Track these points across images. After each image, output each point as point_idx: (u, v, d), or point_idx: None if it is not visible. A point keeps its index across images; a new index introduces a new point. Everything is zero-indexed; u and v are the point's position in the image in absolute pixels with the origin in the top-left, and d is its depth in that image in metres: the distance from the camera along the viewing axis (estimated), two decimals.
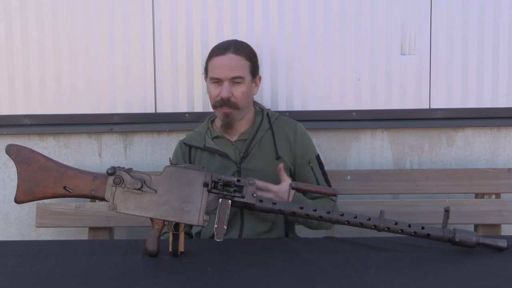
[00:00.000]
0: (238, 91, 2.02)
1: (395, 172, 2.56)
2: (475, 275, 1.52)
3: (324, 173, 2.15)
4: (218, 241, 1.66)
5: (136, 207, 1.67)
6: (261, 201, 1.72)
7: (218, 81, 2.02)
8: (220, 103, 2.02)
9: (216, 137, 2.13)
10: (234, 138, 2.12)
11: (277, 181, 2.04)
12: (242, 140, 2.11)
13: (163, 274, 1.52)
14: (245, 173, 2.05)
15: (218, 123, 2.15)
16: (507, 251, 1.71)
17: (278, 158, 2.09)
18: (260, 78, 2.15)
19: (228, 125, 2.07)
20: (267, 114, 2.16)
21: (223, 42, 2.11)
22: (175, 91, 2.60)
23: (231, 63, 2.01)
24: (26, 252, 1.73)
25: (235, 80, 2.01)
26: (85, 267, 1.60)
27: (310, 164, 2.12)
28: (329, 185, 2.14)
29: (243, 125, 2.11)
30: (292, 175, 2.12)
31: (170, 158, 1.88)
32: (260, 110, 2.17)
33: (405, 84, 2.61)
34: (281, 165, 1.94)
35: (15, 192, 1.68)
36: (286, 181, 1.91)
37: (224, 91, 2.00)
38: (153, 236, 1.68)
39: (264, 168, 2.06)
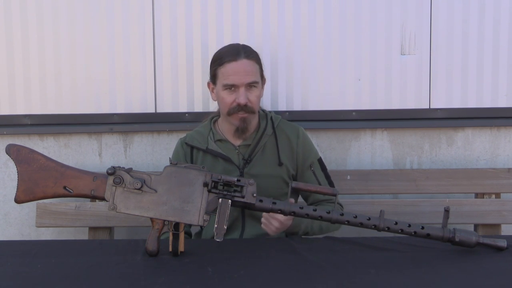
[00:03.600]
0: (253, 96, 2.00)
1: (395, 172, 2.56)
2: (475, 275, 1.52)
3: (327, 176, 2.14)
4: (218, 241, 1.66)
5: (136, 207, 1.67)
6: (261, 201, 1.71)
7: (232, 87, 1.99)
8: (236, 109, 1.99)
9: (219, 140, 2.11)
10: (237, 142, 2.10)
11: (278, 187, 2.04)
12: (245, 145, 2.09)
13: (163, 274, 1.52)
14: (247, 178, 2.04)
15: (223, 126, 2.11)
16: (507, 251, 1.71)
17: (280, 164, 2.08)
18: (265, 80, 2.13)
19: (245, 129, 2.03)
20: (271, 118, 2.14)
21: (229, 47, 2.08)
22: (175, 91, 2.60)
23: (246, 69, 1.98)
24: (26, 252, 1.73)
25: (251, 85, 1.99)
26: (85, 267, 1.60)
27: (312, 169, 2.11)
28: (333, 187, 2.13)
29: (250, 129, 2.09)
30: (295, 179, 2.12)
31: (170, 158, 1.88)
32: (264, 114, 2.15)
33: (405, 84, 2.61)
34: (292, 200, 1.87)
35: (15, 192, 1.68)
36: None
37: (242, 97, 1.97)
38: (153, 236, 1.68)
39: (267, 174, 2.06)
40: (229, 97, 2.00)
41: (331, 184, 2.13)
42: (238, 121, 2.01)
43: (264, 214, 1.89)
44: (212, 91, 2.10)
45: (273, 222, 1.87)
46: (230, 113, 2.01)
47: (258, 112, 2.14)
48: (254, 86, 2.00)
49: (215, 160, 2.09)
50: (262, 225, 1.90)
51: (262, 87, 2.10)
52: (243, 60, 1.99)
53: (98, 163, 2.64)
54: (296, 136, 2.12)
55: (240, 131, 2.04)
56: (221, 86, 2.01)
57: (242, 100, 1.97)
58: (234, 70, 1.98)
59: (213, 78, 2.06)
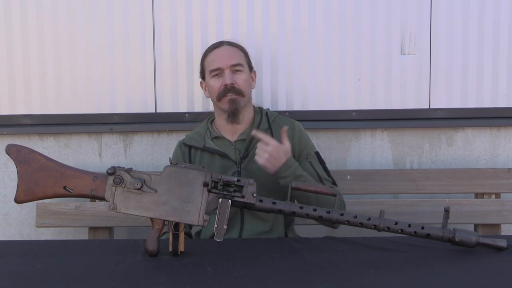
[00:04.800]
0: (240, 79, 2.06)
1: (395, 172, 2.56)
2: (475, 275, 1.52)
3: (325, 169, 2.14)
4: (218, 241, 1.66)
5: (136, 207, 1.67)
6: (261, 201, 1.71)
7: (218, 72, 2.06)
8: (224, 92, 2.04)
9: (215, 138, 2.13)
10: (234, 138, 2.12)
11: (275, 181, 2.04)
12: (241, 140, 2.11)
13: (163, 274, 1.52)
14: (245, 174, 2.05)
15: (219, 123, 2.14)
16: (507, 251, 1.71)
17: None
18: (255, 73, 2.19)
19: (236, 111, 2.05)
20: (266, 113, 2.16)
21: (215, 42, 2.17)
22: (175, 91, 2.60)
23: (229, 52, 2.08)
24: (26, 252, 1.73)
25: (235, 68, 2.06)
26: (85, 267, 1.59)
27: (309, 159, 2.11)
28: (332, 179, 2.12)
29: (243, 124, 2.11)
30: None
31: (170, 158, 1.88)
32: (259, 110, 2.18)
33: (405, 84, 2.61)
34: (285, 128, 1.94)
35: (15, 192, 1.68)
36: (285, 144, 1.92)
37: (227, 78, 2.04)
38: (153, 236, 1.68)
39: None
40: (216, 83, 2.07)
41: (330, 176, 2.12)
42: (228, 104, 2.05)
43: (258, 144, 1.90)
44: (205, 88, 2.17)
45: (266, 148, 1.87)
46: (219, 98, 2.06)
47: (254, 108, 2.15)
48: (239, 70, 2.07)
49: (213, 157, 2.10)
50: (256, 157, 1.90)
51: (253, 79, 2.17)
52: (225, 46, 2.10)
53: (98, 163, 2.64)
54: (292, 129, 2.13)
55: (231, 114, 2.06)
56: (209, 74, 2.08)
57: (227, 80, 2.04)
58: (217, 55, 2.07)
59: (202, 72, 2.14)
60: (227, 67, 2.05)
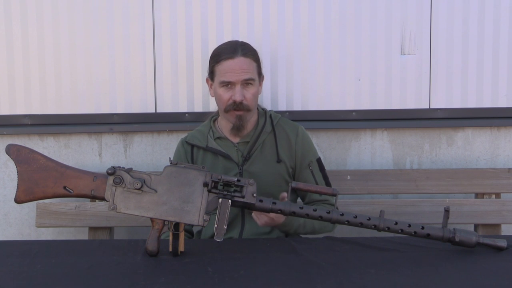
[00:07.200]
0: (249, 93, 2.02)
1: (395, 172, 2.56)
2: (475, 275, 1.52)
3: (325, 176, 2.14)
4: (218, 241, 1.66)
5: (136, 207, 1.67)
6: (261, 201, 1.71)
7: (229, 84, 2.01)
8: (232, 106, 2.01)
9: (218, 138, 2.12)
10: (236, 140, 2.11)
11: (277, 184, 2.05)
12: (244, 142, 2.10)
13: (163, 274, 1.53)
14: (246, 175, 2.05)
15: (222, 124, 2.13)
16: (507, 251, 1.71)
17: (279, 161, 2.09)
18: (263, 77, 2.15)
19: (241, 127, 2.05)
20: (270, 116, 2.15)
21: (227, 44, 2.10)
22: (175, 91, 2.60)
23: (242, 66, 2.01)
24: (26, 252, 1.73)
25: (247, 82, 2.01)
26: (85, 267, 1.60)
27: (310, 168, 2.12)
28: (330, 186, 2.13)
29: (247, 127, 2.10)
30: (293, 177, 2.13)
31: (170, 158, 1.88)
32: (263, 112, 2.16)
33: (405, 84, 2.61)
34: (284, 194, 1.87)
35: (15, 192, 1.68)
36: None
37: (237, 94, 2.00)
38: (153, 236, 1.68)
39: (266, 171, 2.07)
40: (225, 94, 2.02)
41: (328, 185, 2.13)
42: (235, 118, 2.04)
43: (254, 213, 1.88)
44: (210, 87, 2.13)
45: (263, 216, 1.86)
46: (227, 110, 2.04)
47: (258, 110, 2.15)
48: (250, 83, 2.03)
49: (215, 158, 2.10)
50: (253, 214, 1.88)
51: (260, 84, 2.12)
52: (239, 57, 2.01)
53: (98, 163, 2.64)
54: (295, 134, 2.13)
55: (236, 128, 2.06)
56: (218, 83, 2.04)
57: (238, 97, 2.00)
58: (231, 68, 2.00)
59: (211, 74, 2.09)
60: (238, 82, 2.00)
